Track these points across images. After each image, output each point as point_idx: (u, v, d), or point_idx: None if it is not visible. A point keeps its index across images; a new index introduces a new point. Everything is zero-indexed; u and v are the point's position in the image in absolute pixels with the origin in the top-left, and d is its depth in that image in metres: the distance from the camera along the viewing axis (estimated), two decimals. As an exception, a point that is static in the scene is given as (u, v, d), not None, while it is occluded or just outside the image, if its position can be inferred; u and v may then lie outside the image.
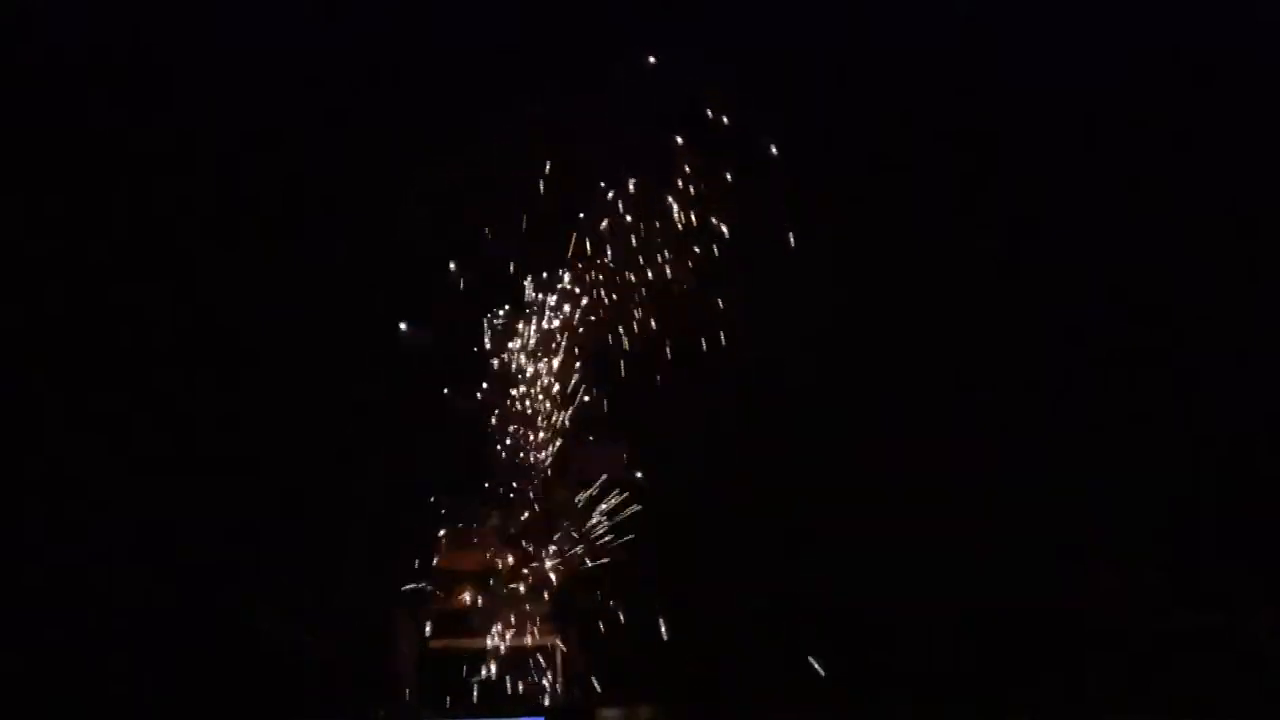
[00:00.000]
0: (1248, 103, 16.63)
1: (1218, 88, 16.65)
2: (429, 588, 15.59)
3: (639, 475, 15.58)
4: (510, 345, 15.93)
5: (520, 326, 15.94)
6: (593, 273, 15.92)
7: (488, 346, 15.91)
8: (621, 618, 15.45)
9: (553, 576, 15.68)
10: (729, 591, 15.84)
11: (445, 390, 15.76)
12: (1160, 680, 15.57)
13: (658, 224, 15.87)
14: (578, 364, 15.88)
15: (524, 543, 15.72)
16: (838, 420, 16.07)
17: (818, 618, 15.88)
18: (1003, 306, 16.40)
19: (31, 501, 15.69)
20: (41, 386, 15.89)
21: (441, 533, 15.67)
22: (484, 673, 15.51)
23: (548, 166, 15.75)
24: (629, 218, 15.88)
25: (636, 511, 15.62)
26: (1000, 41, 16.74)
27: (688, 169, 15.77)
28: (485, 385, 15.85)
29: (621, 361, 15.77)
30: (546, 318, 15.94)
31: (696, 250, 15.79)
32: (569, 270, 15.92)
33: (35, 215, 16.11)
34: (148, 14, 16.40)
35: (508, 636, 15.59)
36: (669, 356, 15.76)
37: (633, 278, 15.84)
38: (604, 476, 15.64)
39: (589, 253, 15.93)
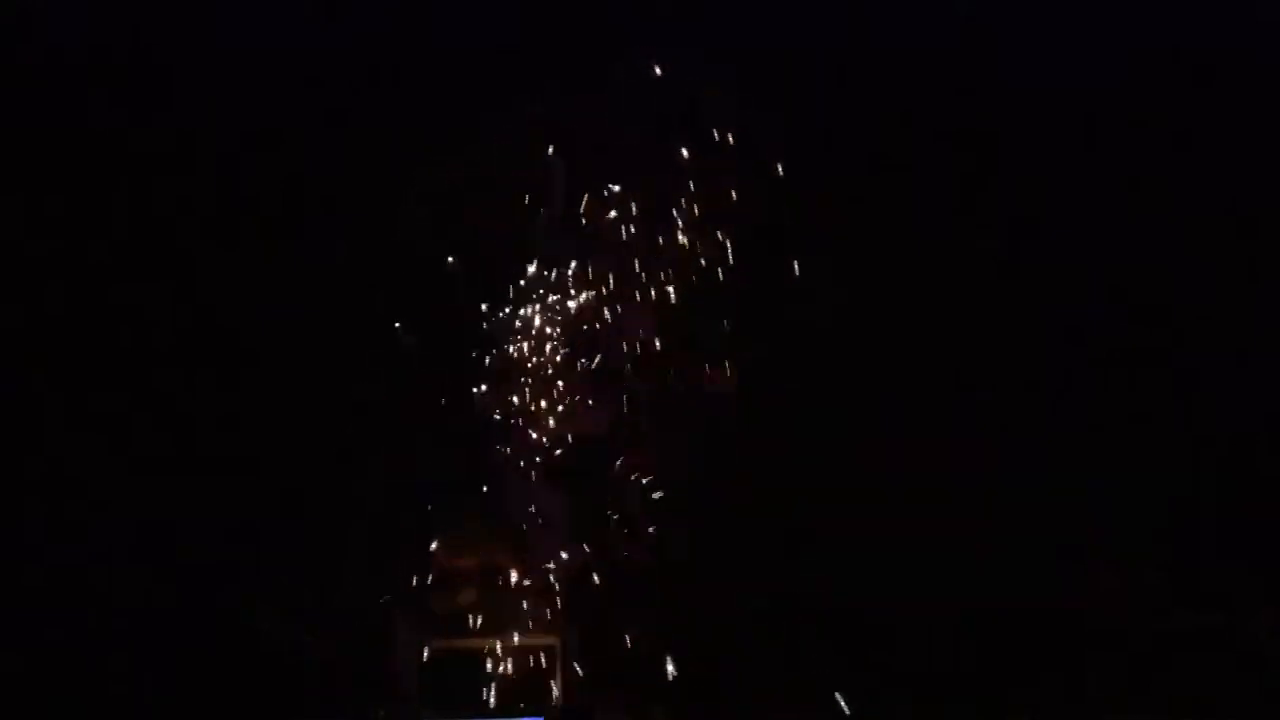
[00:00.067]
0: (1248, 103, 16.62)
1: (1218, 88, 16.64)
2: (429, 587, 15.59)
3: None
4: (510, 343, 15.95)
5: (521, 325, 15.95)
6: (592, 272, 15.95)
7: (487, 345, 15.94)
8: (621, 618, 15.46)
9: (554, 576, 15.69)
10: (729, 591, 15.84)
11: (445, 390, 15.77)
12: (1160, 680, 15.57)
13: (658, 224, 15.89)
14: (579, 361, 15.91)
15: (525, 543, 15.72)
16: (838, 420, 16.06)
17: (818, 618, 15.88)
18: (1003, 306, 16.38)
19: (31, 501, 15.68)
20: (41, 386, 15.88)
21: (441, 532, 15.68)
22: (484, 672, 15.52)
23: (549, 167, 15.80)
24: (628, 218, 15.91)
25: (637, 511, 15.64)
26: (1000, 41, 16.73)
27: (690, 177, 15.81)
28: (484, 384, 15.86)
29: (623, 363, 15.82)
30: (546, 317, 15.95)
31: (700, 247, 15.83)
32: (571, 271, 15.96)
33: (35, 215, 16.10)
34: (148, 14, 16.39)
35: (508, 636, 15.60)
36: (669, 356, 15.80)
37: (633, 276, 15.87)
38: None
39: (589, 252, 15.96)
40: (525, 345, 15.92)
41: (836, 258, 16.09)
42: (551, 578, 15.66)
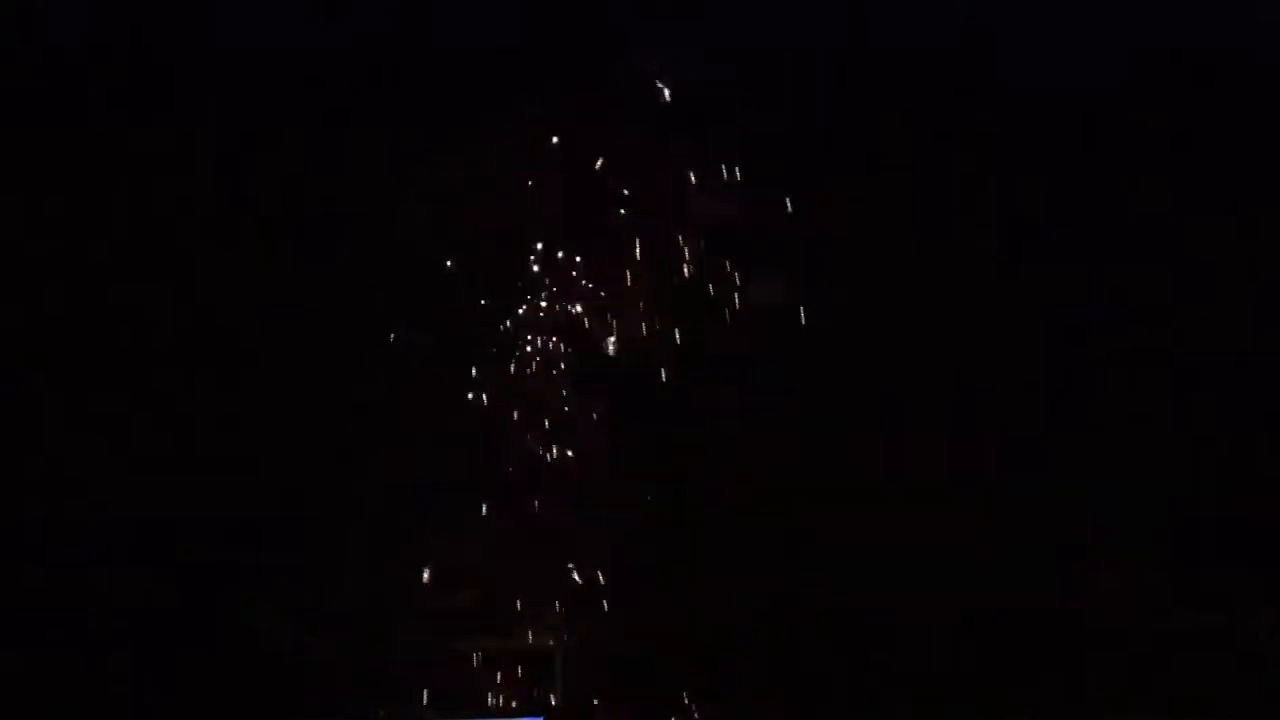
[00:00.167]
0: (1248, 103, 16.62)
1: (1218, 88, 16.64)
2: (429, 587, 15.60)
3: None
4: (511, 341, 15.97)
5: (522, 320, 15.97)
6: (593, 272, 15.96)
7: (489, 344, 15.95)
8: (622, 618, 15.47)
9: (554, 575, 15.69)
10: (729, 591, 15.84)
11: (445, 390, 15.79)
12: (1160, 680, 15.57)
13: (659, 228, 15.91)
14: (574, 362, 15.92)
15: (526, 541, 15.73)
16: (838, 420, 16.07)
17: (818, 618, 15.89)
18: (1003, 306, 16.39)
19: (31, 501, 15.68)
20: (41, 386, 15.89)
21: (441, 532, 15.68)
22: (483, 672, 15.53)
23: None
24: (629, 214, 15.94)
25: (635, 511, 15.65)
26: (1000, 41, 16.73)
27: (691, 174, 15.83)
28: (486, 386, 15.87)
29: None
30: (548, 316, 15.97)
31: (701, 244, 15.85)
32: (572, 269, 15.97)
33: (35, 215, 16.10)
34: (148, 14, 16.40)
35: (508, 636, 15.60)
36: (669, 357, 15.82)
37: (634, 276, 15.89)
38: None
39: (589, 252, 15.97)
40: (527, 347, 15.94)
41: (836, 258, 16.10)
42: (551, 578, 15.67)
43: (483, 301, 15.99)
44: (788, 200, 15.93)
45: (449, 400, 15.84)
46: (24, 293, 16.00)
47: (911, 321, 16.32)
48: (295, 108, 16.26)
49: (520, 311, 15.99)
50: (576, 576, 15.69)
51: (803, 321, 15.96)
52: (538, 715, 15.47)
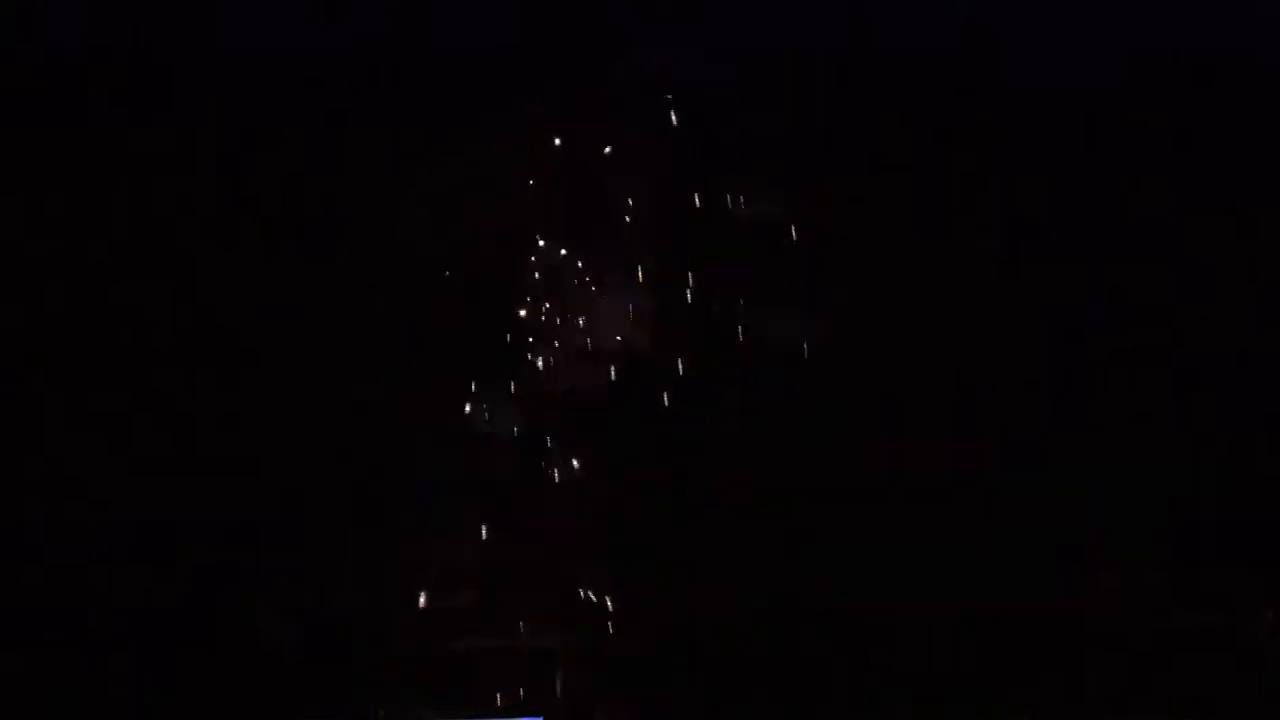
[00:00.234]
0: (1248, 103, 16.62)
1: (1218, 88, 16.64)
2: (429, 587, 15.60)
3: None
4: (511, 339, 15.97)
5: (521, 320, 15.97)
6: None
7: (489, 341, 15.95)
8: (623, 618, 15.47)
9: (554, 576, 15.69)
10: (729, 591, 15.84)
11: (446, 390, 15.79)
12: (1160, 680, 15.57)
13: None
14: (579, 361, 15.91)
15: (526, 542, 15.72)
16: (838, 420, 16.07)
17: (818, 618, 15.88)
18: (1003, 306, 16.39)
19: (31, 501, 15.68)
20: (41, 386, 15.88)
21: (441, 533, 15.68)
22: (483, 672, 15.52)
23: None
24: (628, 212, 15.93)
25: (636, 510, 15.64)
26: (1000, 41, 16.73)
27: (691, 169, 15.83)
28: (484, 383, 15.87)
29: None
30: (547, 315, 15.96)
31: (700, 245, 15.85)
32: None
33: (35, 215, 16.10)
34: (148, 14, 16.40)
35: (508, 636, 15.59)
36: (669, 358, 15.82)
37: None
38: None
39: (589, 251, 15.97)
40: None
41: (837, 258, 16.10)
42: (552, 578, 15.67)
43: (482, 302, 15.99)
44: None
45: (449, 401, 15.84)
46: (24, 293, 15.99)
47: (911, 321, 16.32)
48: (295, 108, 16.26)
49: (521, 313, 15.99)
50: (576, 577, 15.69)
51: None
52: (538, 715, 15.47)
